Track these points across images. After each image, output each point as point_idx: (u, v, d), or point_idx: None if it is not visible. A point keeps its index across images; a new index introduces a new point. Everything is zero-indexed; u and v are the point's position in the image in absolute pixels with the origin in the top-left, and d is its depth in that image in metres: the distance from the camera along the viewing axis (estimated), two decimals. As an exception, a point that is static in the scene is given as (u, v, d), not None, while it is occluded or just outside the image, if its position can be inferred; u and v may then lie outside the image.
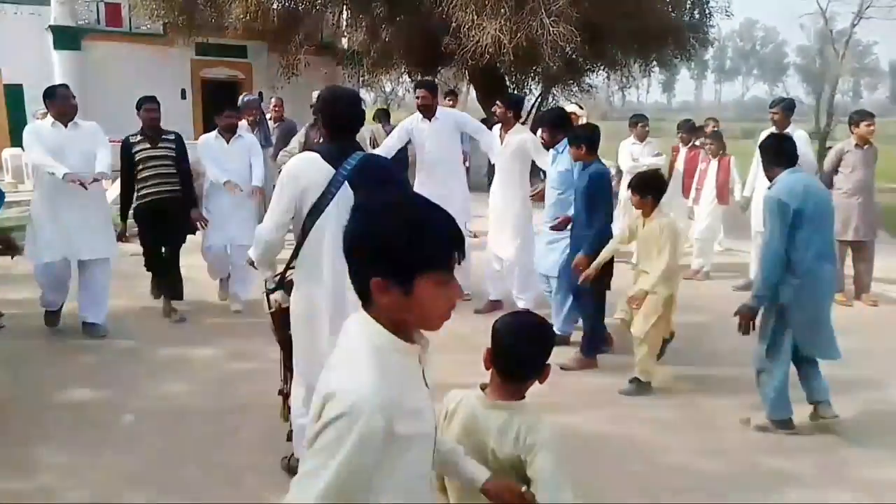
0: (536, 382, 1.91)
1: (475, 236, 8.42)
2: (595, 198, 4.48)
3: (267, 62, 15.30)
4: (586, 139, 4.56)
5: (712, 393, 4.33)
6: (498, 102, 8.44)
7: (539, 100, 19.66)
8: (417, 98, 5.79)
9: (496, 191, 5.66)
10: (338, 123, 2.86)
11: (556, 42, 10.51)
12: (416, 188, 5.61)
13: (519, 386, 1.89)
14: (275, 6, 13.04)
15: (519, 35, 10.59)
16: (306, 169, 2.79)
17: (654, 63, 15.42)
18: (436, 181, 5.65)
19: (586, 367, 4.68)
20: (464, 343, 5.05)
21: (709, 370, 4.70)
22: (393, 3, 12.83)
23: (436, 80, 17.47)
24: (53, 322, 5.29)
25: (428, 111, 5.73)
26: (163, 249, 5.65)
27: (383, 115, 9.96)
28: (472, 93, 17.59)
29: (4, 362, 4.64)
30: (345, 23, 14.84)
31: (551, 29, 10.39)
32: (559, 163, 4.96)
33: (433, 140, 5.75)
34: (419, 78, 16.89)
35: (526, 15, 10.62)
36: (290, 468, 3.18)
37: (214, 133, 5.72)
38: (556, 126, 5.04)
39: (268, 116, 8.91)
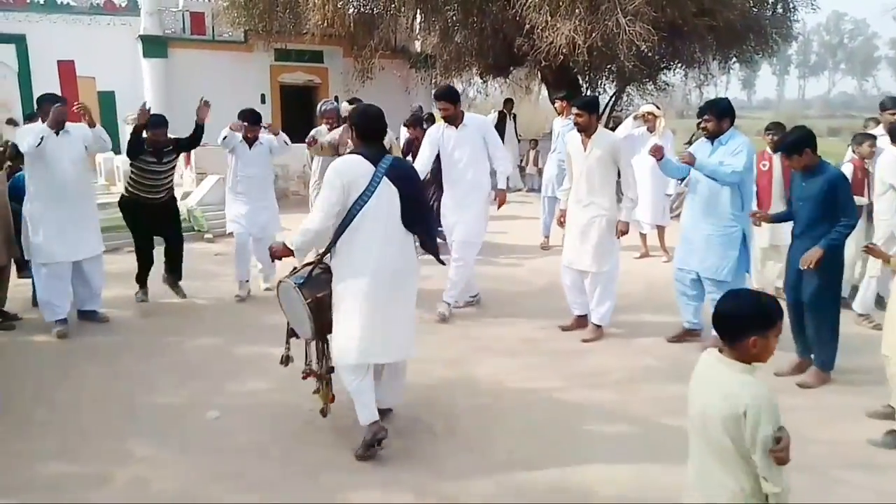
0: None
1: (544, 247, 8.36)
2: (841, 201, 4.20)
3: (342, 67, 15.60)
4: (806, 142, 4.26)
5: None
6: (562, 100, 8.38)
7: (614, 99, 19.36)
8: (440, 110, 5.64)
9: (575, 202, 5.25)
10: (369, 133, 3.46)
11: (632, 41, 10.31)
12: (445, 194, 5.84)
13: (735, 347, 2.07)
14: (351, 11, 13.27)
15: (594, 35, 10.44)
16: (352, 167, 3.35)
17: (734, 60, 14.91)
18: (464, 188, 5.65)
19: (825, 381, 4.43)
20: (533, 347, 5.06)
21: None
22: (466, 6, 12.86)
23: (507, 80, 17.57)
24: (65, 333, 5.26)
25: (453, 120, 5.60)
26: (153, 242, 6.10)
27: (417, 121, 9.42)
28: (544, 92, 17.44)
29: (99, 357, 4.90)
30: (418, 26, 14.97)
31: (627, 28, 10.19)
32: (719, 153, 4.70)
33: (462, 147, 5.62)
34: (492, 79, 16.96)
35: (601, 15, 10.45)
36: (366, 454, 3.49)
37: (240, 138, 6.19)
38: (725, 113, 4.74)
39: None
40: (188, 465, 3.49)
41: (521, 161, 14.31)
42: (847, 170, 5.64)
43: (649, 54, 12.77)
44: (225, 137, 6.06)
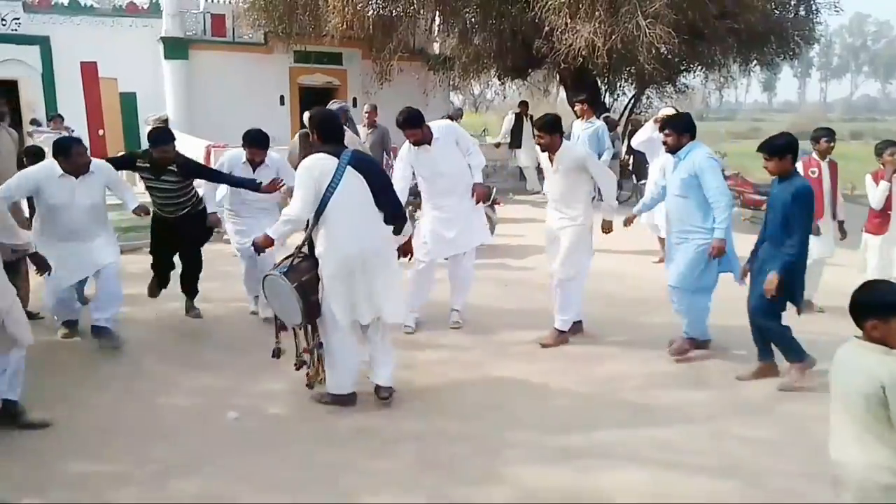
0: None
1: None
2: (797, 215, 4.24)
3: (361, 69, 15.66)
4: (791, 149, 4.34)
5: None
6: (581, 103, 8.34)
7: (633, 101, 19.25)
8: (409, 137, 5.30)
9: (552, 209, 5.30)
10: (330, 134, 4.00)
11: (653, 44, 10.26)
12: (431, 211, 5.48)
13: (865, 331, 2.29)
14: (370, 14, 13.32)
15: (614, 37, 10.40)
16: (318, 162, 3.85)
17: (755, 62, 14.80)
18: (457, 198, 5.42)
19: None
20: (551, 352, 5.04)
21: None
22: (485, 8, 12.87)
23: (525, 82, 17.54)
24: (69, 335, 5.30)
25: (424, 141, 5.30)
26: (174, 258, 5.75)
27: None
28: (562, 94, 17.38)
29: (119, 357, 4.95)
30: (437, 28, 15.00)
31: (647, 31, 10.15)
32: (681, 169, 4.74)
33: (445, 160, 5.37)
34: (510, 81, 16.95)
35: (621, 17, 10.42)
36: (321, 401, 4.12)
37: (243, 158, 5.58)
38: (685, 129, 4.81)
39: (362, 123, 9.16)
40: (208, 465, 3.51)
41: (538, 164, 14.30)
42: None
43: (669, 57, 12.70)
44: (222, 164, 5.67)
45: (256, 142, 5.50)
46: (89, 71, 14.36)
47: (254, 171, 5.56)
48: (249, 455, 3.61)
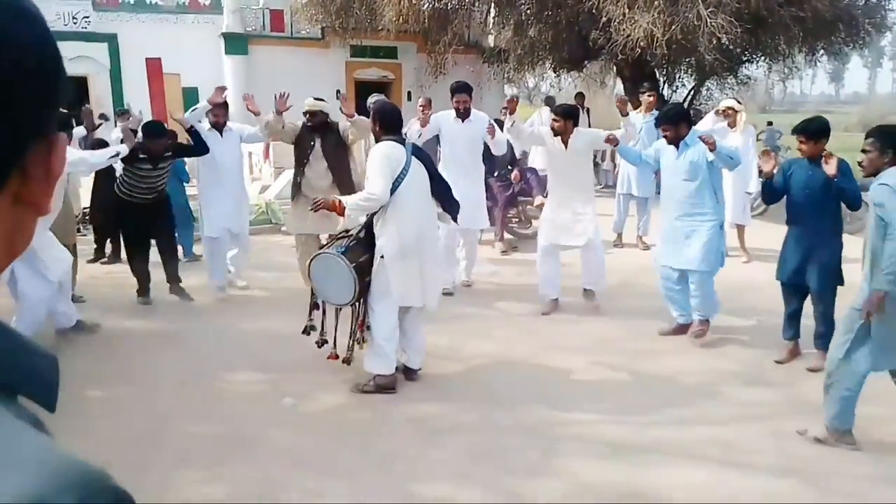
0: None
1: (616, 245, 8.24)
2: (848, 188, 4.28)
3: (416, 62, 15.73)
4: (825, 133, 4.45)
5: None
6: (650, 93, 8.19)
7: (692, 93, 18.81)
8: (458, 102, 6.03)
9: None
10: (392, 125, 4.18)
11: (714, 33, 10.00)
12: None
13: None
14: (425, 7, 13.36)
15: (673, 27, 10.18)
16: (395, 149, 4.07)
17: (822, 52, 14.26)
18: (462, 176, 5.88)
19: None
20: (604, 346, 4.97)
21: None
22: (541, 0, 12.77)
23: (581, 73, 17.34)
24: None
25: (467, 114, 6.06)
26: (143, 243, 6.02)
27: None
28: (619, 85, 17.11)
29: (180, 342, 5.11)
30: (492, 21, 14.94)
31: (709, 20, 9.90)
32: (690, 153, 4.92)
33: (466, 140, 6.10)
34: (565, 73, 16.77)
35: (681, 6, 10.19)
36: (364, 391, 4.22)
37: (207, 127, 6.00)
38: (680, 120, 5.03)
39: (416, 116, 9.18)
40: (265, 448, 3.60)
41: (596, 157, 14.07)
42: None
43: (731, 47, 12.35)
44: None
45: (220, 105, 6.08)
46: (154, 66, 14.82)
47: (221, 134, 6.05)
48: (305, 440, 3.69)
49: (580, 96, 14.32)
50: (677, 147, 4.99)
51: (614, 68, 15.59)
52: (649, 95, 8.42)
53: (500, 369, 4.67)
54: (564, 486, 3.27)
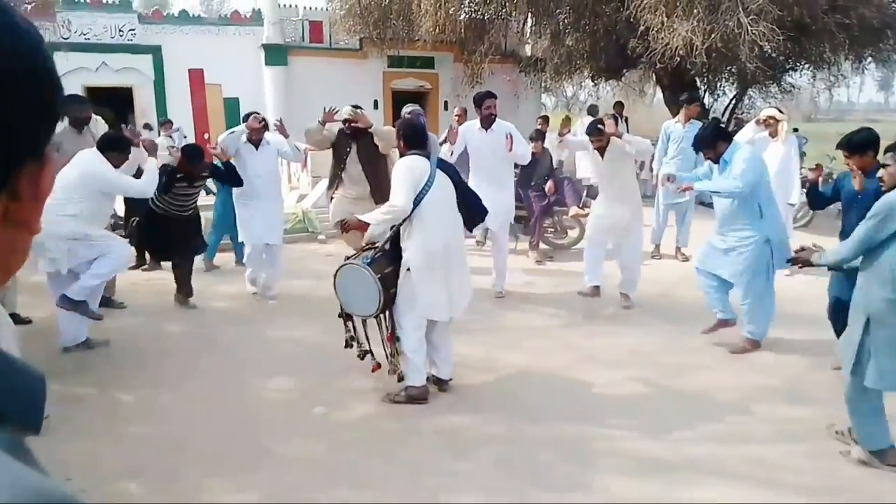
0: None
1: (654, 256, 8.11)
2: None
3: (453, 72, 15.78)
4: (870, 144, 4.30)
5: None
6: (692, 104, 8.09)
7: (734, 102, 18.49)
8: (488, 108, 6.13)
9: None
10: (415, 141, 4.26)
11: (755, 41, 9.81)
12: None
13: None
14: (462, 17, 13.39)
15: (713, 35, 10.01)
16: (418, 163, 4.11)
17: (869, 59, 13.88)
18: (490, 184, 6.02)
19: None
20: (640, 359, 4.89)
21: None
22: (578, 9, 12.69)
23: (620, 82, 17.18)
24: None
25: (491, 122, 6.17)
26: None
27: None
28: (659, 94, 16.93)
29: (218, 347, 5.17)
30: (529, 30, 14.92)
31: (749, 28, 9.71)
32: (729, 172, 4.91)
33: (490, 148, 6.20)
34: (603, 82, 16.64)
35: (721, 14, 10.02)
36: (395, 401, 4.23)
37: (244, 139, 6.16)
38: (715, 139, 5.02)
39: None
40: (296, 456, 3.61)
41: (635, 162, 13.93)
42: None
43: (773, 55, 12.14)
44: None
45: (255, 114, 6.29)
46: (196, 77, 15.12)
47: (256, 148, 6.17)
48: (335, 449, 3.69)
49: (619, 105, 14.19)
50: (718, 163, 5.03)
51: (654, 77, 15.41)
52: (688, 107, 8.28)
53: (533, 381, 4.63)
54: (596, 502, 3.21)
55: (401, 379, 4.28)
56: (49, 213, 4.85)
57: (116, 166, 5.02)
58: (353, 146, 5.99)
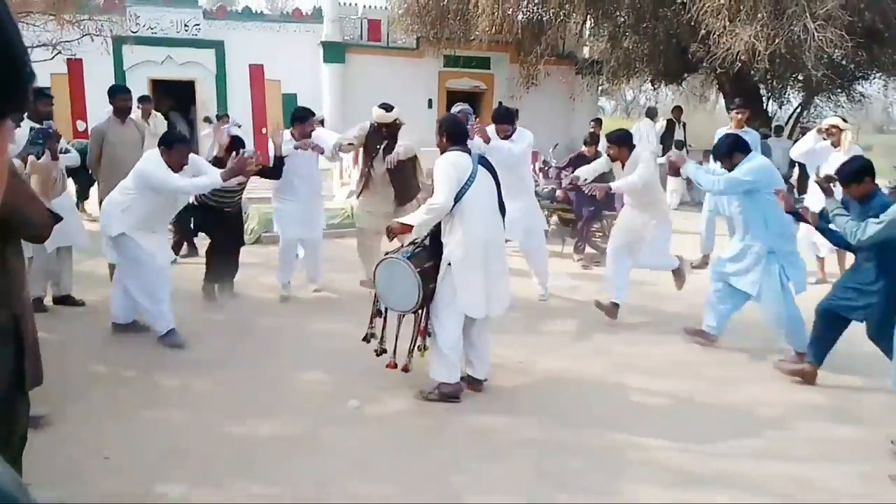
0: None
1: (696, 266, 7.90)
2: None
3: (508, 73, 15.72)
4: (867, 172, 4.32)
5: None
6: (740, 109, 7.92)
7: (799, 110, 17.89)
8: (499, 132, 6.03)
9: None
10: (457, 136, 4.28)
11: (822, 48, 9.47)
12: None
13: None
14: (519, 18, 13.32)
15: (777, 41, 9.71)
16: (460, 159, 4.13)
17: (947, 69, 13.26)
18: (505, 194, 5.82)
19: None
20: (681, 370, 4.77)
21: None
22: (639, 11, 12.49)
23: (680, 87, 16.82)
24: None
25: (507, 136, 6.05)
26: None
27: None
28: (721, 102, 16.51)
29: (258, 338, 5.26)
30: (587, 31, 14.74)
31: (816, 34, 9.39)
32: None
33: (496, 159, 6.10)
34: (663, 86, 16.32)
35: (787, 19, 9.71)
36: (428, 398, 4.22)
37: (293, 144, 6.03)
38: (731, 150, 5.05)
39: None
40: (327, 447, 3.65)
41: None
42: None
43: (842, 62, 11.71)
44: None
45: (301, 117, 6.16)
46: (257, 73, 15.37)
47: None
48: (365, 443, 3.71)
49: (677, 110, 13.91)
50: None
51: (715, 83, 15.05)
52: (738, 112, 8.03)
53: (571, 387, 4.56)
54: (625, 513, 3.14)
55: (405, 370, 4.23)
56: (108, 203, 5.02)
57: (175, 165, 4.87)
58: (383, 144, 6.00)
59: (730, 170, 5.04)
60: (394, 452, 3.63)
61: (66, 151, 5.87)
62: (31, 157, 3.05)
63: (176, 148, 4.91)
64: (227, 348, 5.04)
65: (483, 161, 4.28)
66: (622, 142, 5.74)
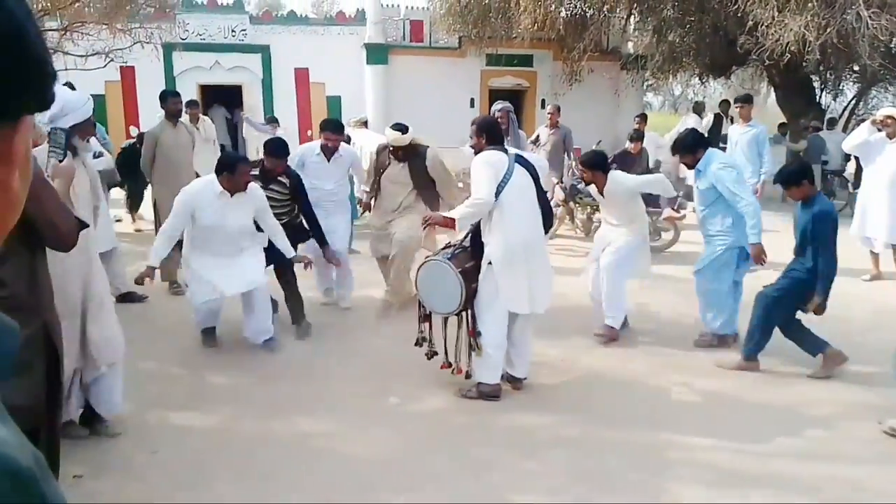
0: None
1: None
2: (819, 236, 4.40)
3: (551, 70, 15.60)
4: (804, 174, 4.51)
5: None
6: (740, 103, 7.89)
7: (854, 102, 17.32)
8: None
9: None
10: (493, 136, 4.26)
11: (876, 37, 9.13)
12: None
13: None
14: (562, 14, 13.20)
15: (829, 30, 9.40)
16: (496, 156, 4.12)
17: None
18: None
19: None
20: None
21: None
22: (684, 3, 12.24)
23: (729, 80, 16.45)
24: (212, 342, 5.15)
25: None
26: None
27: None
28: (772, 95, 16.09)
29: (309, 336, 5.33)
30: (631, 26, 14.53)
31: (870, 22, 9.06)
32: (702, 181, 5.01)
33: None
34: (711, 80, 15.99)
35: (839, 8, 9.39)
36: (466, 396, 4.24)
37: (317, 150, 5.77)
38: (695, 146, 5.07)
39: (545, 124, 9.19)
40: (365, 441, 3.70)
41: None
42: None
43: (899, 51, 11.28)
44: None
45: (331, 127, 5.80)
46: (302, 76, 15.67)
47: (328, 159, 5.78)
48: (404, 439, 3.74)
49: (725, 104, 13.62)
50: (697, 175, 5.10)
51: (765, 75, 14.67)
52: (739, 106, 7.98)
53: (613, 386, 4.51)
54: (665, 512, 3.10)
55: (468, 377, 4.28)
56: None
57: (241, 185, 4.59)
58: (389, 163, 5.55)
59: (691, 165, 5.09)
60: (430, 449, 3.65)
61: (100, 155, 5.95)
62: (52, 160, 3.01)
63: (239, 169, 4.58)
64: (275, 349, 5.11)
65: (520, 160, 4.25)
66: (593, 166, 5.22)
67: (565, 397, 4.33)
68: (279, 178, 5.23)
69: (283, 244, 4.97)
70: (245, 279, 4.75)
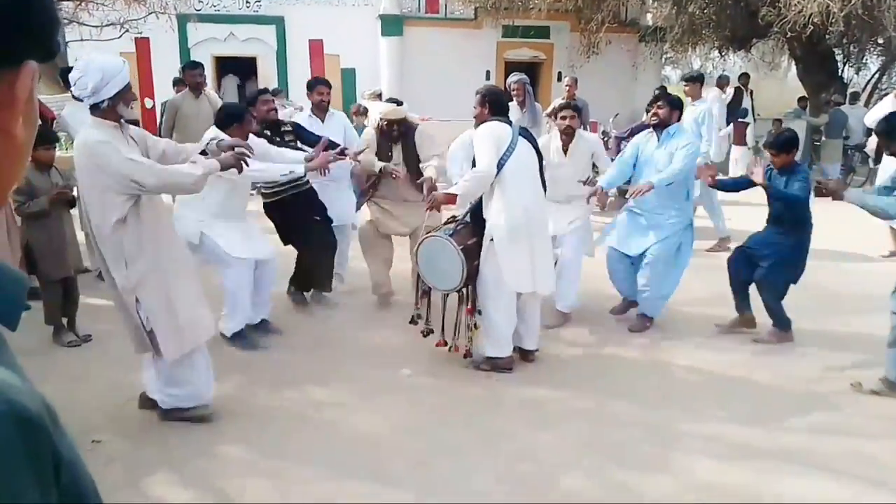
0: None
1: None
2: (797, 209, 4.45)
3: (568, 42, 15.39)
4: (794, 144, 4.59)
5: None
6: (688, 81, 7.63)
7: (878, 76, 16.98)
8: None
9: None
10: (499, 107, 4.19)
11: (903, 7, 8.94)
12: None
13: None
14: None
15: (853, 2, 9.20)
16: (499, 128, 4.05)
17: None
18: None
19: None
20: (738, 344, 4.60)
21: None
22: (705, -26, 12.02)
23: (749, 54, 16.14)
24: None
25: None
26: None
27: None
28: (793, 69, 15.78)
29: (328, 307, 5.36)
30: (651, -3, 14.29)
31: (897, -8, 8.86)
32: (670, 145, 4.80)
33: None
34: (731, 53, 15.71)
35: (864, -23, 9.19)
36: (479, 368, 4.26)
37: (308, 112, 5.57)
38: (677, 106, 4.97)
39: (562, 97, 9.06)
40: (379, 411, 3.74)
41: (758, 142, 13.11)
42: None
43: (926, 23, 10.99)
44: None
45: (322, 81, 5.55)
46: (316, 48, 15.56)
47: (322, 120, 5.44)
48: (416, 410, 3.77)
49: (744, 77, 13.38)
50: (659, 134, 4.89)
51: (786, 48, 14.39)
52: (686, 84, 7.70)
53: (625, 361, 4.51)
54: (677, 484, 3.10)
55: (466, 356, 4.26)
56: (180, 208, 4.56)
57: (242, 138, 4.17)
58: (394, 151, 5.19)
59: (664, 120, 4.83)
60: (443, 420, 3.67)
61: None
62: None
63: (247, 118, 4.46)
64: (295, 318, 5.16)
65: (524, 132, 4.19)
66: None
67: (577, 370, 4.33)
68: (283, 127, 5.03)
69: (292, 156, 4.58)
70: (267, 247, 4.62)
